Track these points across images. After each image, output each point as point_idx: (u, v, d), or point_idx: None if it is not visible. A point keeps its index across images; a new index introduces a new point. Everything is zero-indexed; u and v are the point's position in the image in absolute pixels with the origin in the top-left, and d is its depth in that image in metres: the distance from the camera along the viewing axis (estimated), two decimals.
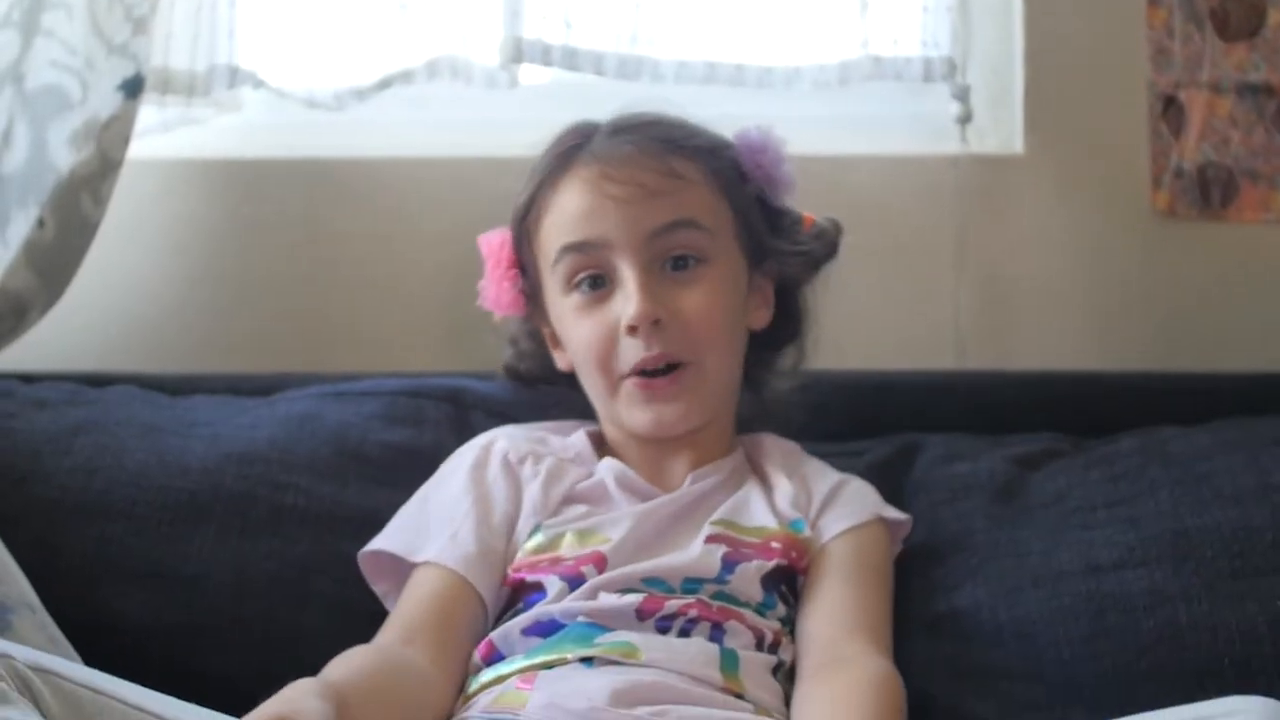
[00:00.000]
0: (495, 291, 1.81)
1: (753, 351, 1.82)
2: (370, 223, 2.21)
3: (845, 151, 2.17)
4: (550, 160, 1.76)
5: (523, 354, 1.89)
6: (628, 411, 1.73)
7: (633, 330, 1.68)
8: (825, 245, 1.82)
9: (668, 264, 1.71)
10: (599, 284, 1.72)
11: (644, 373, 1.70)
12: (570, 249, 1.72)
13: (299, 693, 1.33)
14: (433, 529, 1.71)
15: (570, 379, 1.81)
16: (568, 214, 1.72)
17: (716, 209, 1.74)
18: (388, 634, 1.62)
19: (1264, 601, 1.65)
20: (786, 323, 1.85)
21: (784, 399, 1.85)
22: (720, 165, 1.76)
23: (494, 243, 1.81)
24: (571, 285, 1.73)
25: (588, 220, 1.71)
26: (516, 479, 1.74)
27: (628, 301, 1.68)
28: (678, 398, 1.71)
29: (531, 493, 1.72)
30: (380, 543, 1.73)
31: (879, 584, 1.71)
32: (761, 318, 1.82)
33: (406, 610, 1.64)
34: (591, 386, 1.76)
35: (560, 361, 1.82)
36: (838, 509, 1.74)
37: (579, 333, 1.73)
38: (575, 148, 1.75)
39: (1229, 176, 2.16)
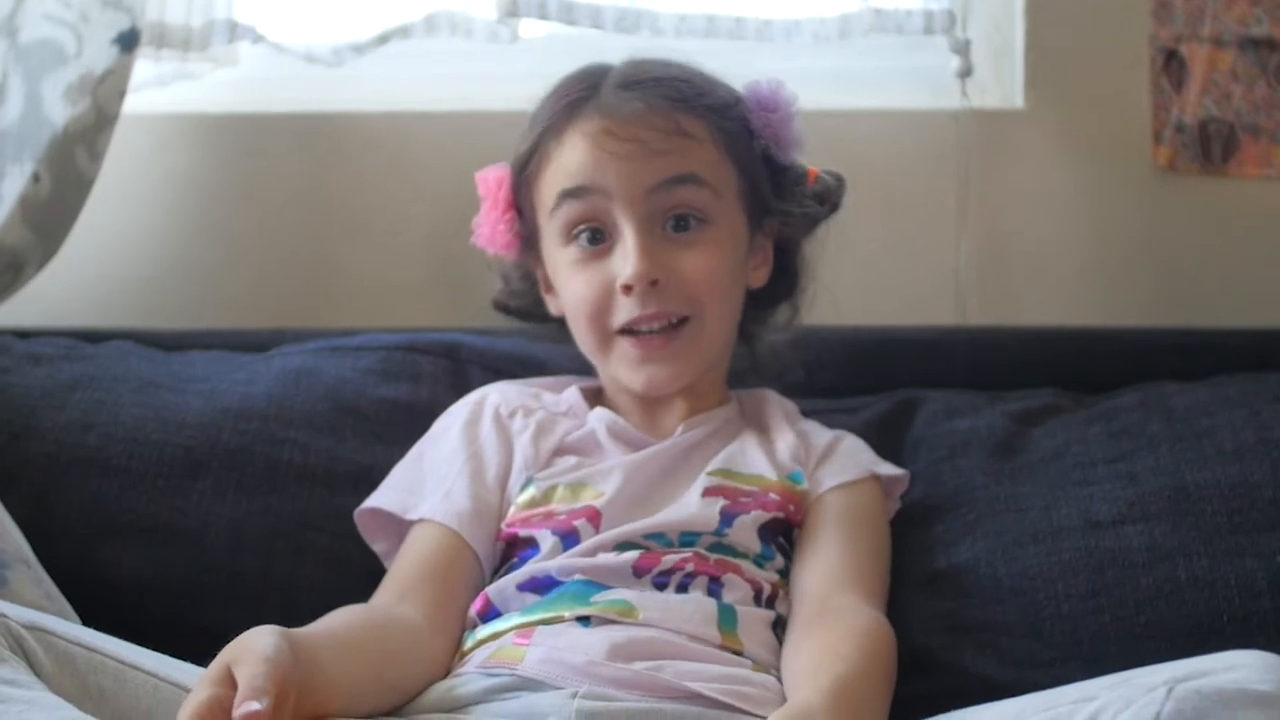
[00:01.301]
0: (490, 231, 1.79)
1: (748, 307, 1.81)
2: (368, 178, 2.21)
3: (845, 106, 2.16)
4: (555, 109, 1.73)
5: (514, 292, 1.87)
6: (620, 368, 1.72)
7: (628, 290, 1.67)
8: (829, 203, 1.81)
9: (669, 224, 1.69)
10: (598, 238, 1.70)
11: (638, 331, 1.69)
12: (569, 194, 1.69)
13: (251, 634, 1.31)
14: (427, 486, 1.71)
15: (560, 323, 1.80)
16: (568, 164, 1.70)
17: (721, 168, 1.72)
18: (382, 593, 1.62)
19: (1263, 557, 1.65)
20: (784, 280, 1.84)
21: (777, 352, 1.84)
22: (727, 124, 1.73)
23: (491, 181, 1.79)
24: (570, 237, 1.71)
25: (587, 171, 1.68)
26: (507, 434, 1.74)
27: (625, 260, 1.66)
28: (673, 358, 1.70)
29: (522, 445, 1.72)
30: (375, 500, 1.73)
31: (872, 538, 1.70)
32: (760, 276, 1.81)
33: (401, 568, 1.64)
34: (583, 341, 1.75)
35: (552, 306, 1.81)
36: (832, 464, 1.73)
37: (574, 286, 1.72)
38: (581, 99, 1.72)
39: (1230, 131, 2.15)
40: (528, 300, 1.86)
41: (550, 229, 1.73)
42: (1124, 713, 1.24)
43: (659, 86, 1.71)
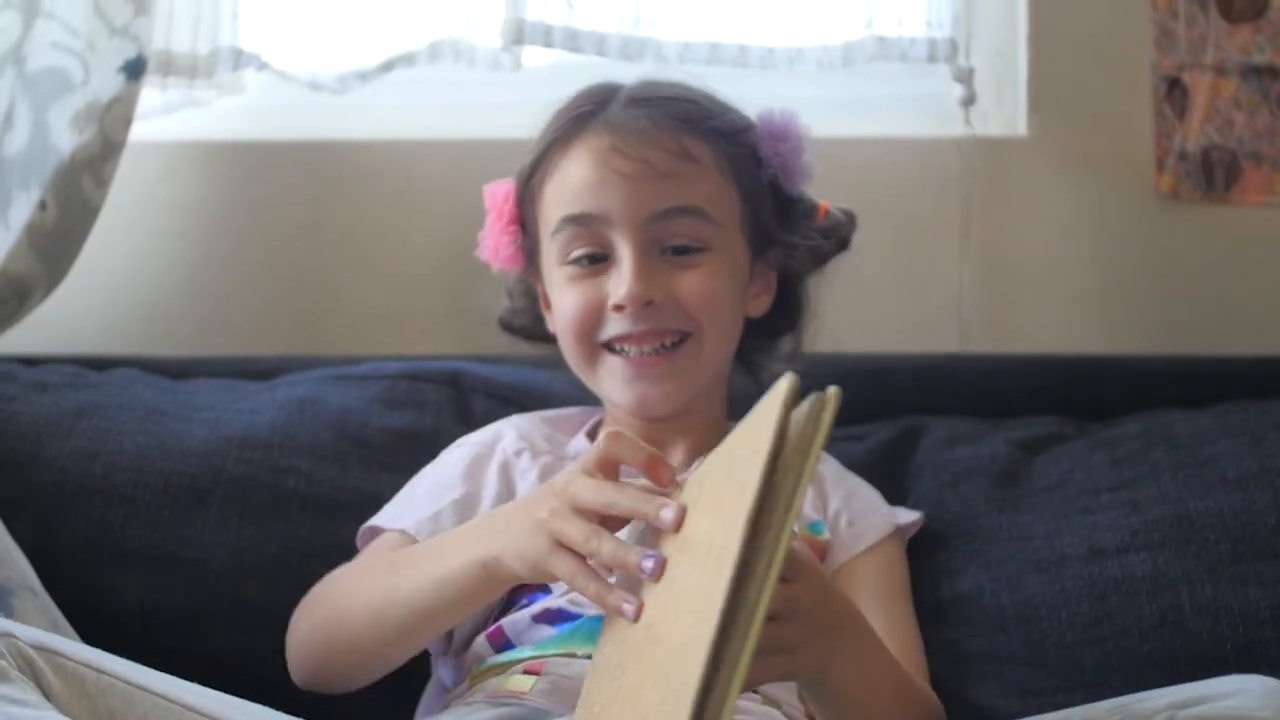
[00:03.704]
0: (494, 245, 1.78)
1: (750, 338, 1.79)
2: (373, 205, 2.21)
3: (849, 133, 2.16)
4: (563, 123, 1.72)
5: (517, 310, 1.86)
6: (609, 384, 1.70)
7: (619, 309, 1.65)
8: (836, 240, 1.81)
9: (667, 249, 1.67)
10: (596, 259, 1.68)
11: (627, 351, 1.67)
12: (570, 221, 1.68)
13: None
14: (416, 506, 1.69)
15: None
16: (572, 183, 1.69)
17: (725, 197, 1.70)
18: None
19: (1266, 585, 1.66)
20: (786, 311, 1.82)
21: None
22: (736, 150, 1.71)
23: (498, 195, 1.78)
24: (568, 258, 1.69)
25: (591, 193, 1.67)
26: (510, 478, 1.71)
27: (620, 281, 1.65)
28: (666, 377, 1.68)
29: (526, 489, 1.68)
30: (373, 519, 1.71)
31: (906, 603, 1.69)
32: (760, 305, 1.79)
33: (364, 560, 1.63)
34: (571, 356, 1.73)
35: (550, 324, 1.79)
36: (857, 525, 1.71)
37: (565, 301, 1.70)
38: (589, 113, 1.71)
39: (1232, 159, 2.15)
40: (529, 318, 1.85)
41: (550, 247, 1.72)
42: None
43: (668, 105, 1.70)
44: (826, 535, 1.69)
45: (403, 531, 1.64)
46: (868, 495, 1.77)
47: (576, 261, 1.69)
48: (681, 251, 1.67)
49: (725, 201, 1.70)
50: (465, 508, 1.67)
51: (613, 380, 1.70)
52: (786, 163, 1.74)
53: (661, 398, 1.69)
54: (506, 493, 1.69)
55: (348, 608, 1.57)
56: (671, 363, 1.68)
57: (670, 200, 1.66)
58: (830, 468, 1.79)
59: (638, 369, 1.68)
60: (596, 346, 1.69)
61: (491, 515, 1.51)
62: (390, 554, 1.60)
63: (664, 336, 1.67)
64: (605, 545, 1.26)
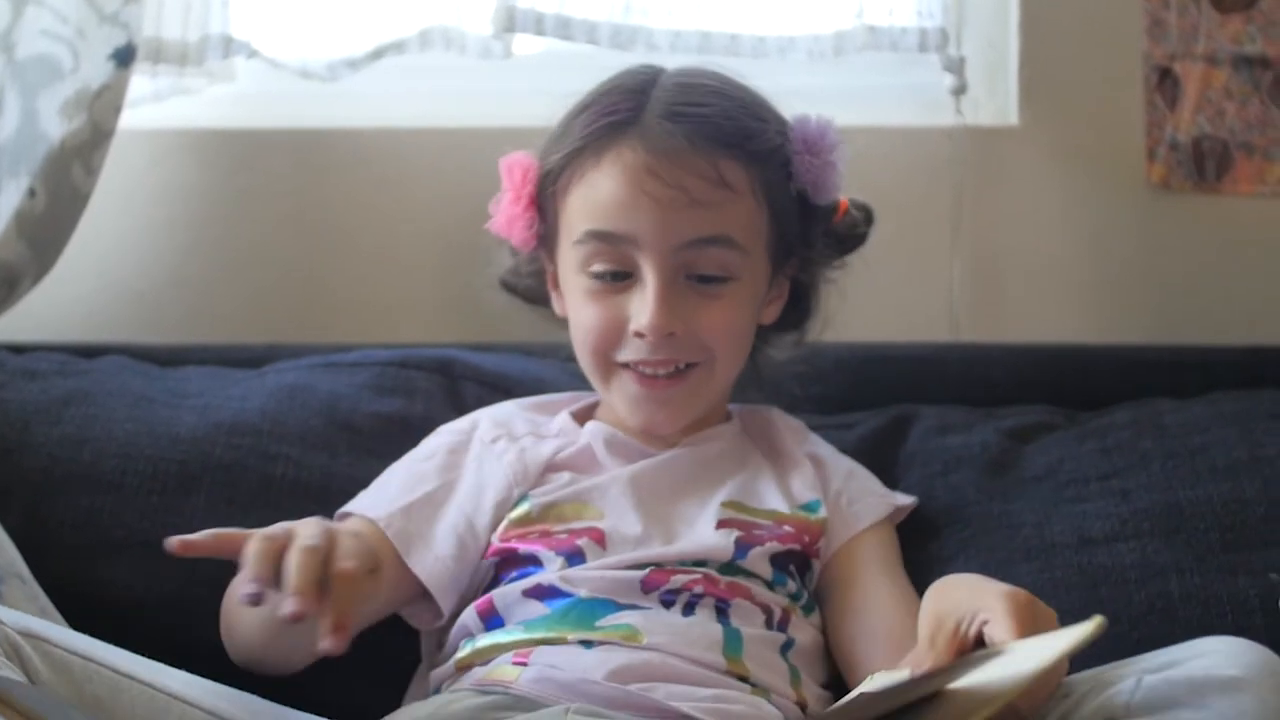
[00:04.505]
0: (507, 222, 1.73)
1: (756, 336, 1.77)
2: (363, 193, 2.21)
3: (840, 122, 2.15)
4: (595, 128, 1.66)
5: (521, 275, 1.82)
6: (619, 401, 1.69)
7: (640, 336, 1.63)
8: (853, 240, 1.80)
9: (693, 277, 1.64)
10: (618, 277, 1.65)
11: (644, 371, 1.66)
12: (595, 236, 1.64)
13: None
14: (389, 496, 1.67)
15: (564, 322, 1.75)
16: (601, 198, 1.64)
17: (755, 220, 1.66)
18: None
19: (1255, 574, 1.66)
20: (795, 312, 1.81)
21: (779, 370, 1.83)
22: (770, 173, 1.67)
23: (516, 173, 1.72)
24: (588, 269, 1.66)
25: (621, 213, 1.63)
26: (483, 470, 1.70)
27: (644, 308, 1.62)
28: (675, 401, 1.67)
29: (508, 464, 1.68)
30: (346, 506, 1.69)
31: (905, 575, 1.70)
32: (773, 312, 1.77)
33: None
34: (586, 367, 1.71)
35: (557, 306, 1.76)
36: (857, 504, 1.72)
37: (584, 316, 1.67)
38: (624, 122, 1.65)
39: (1224, 149, 2.15)
40: (533, 286, 1.82)
41: (570, 254, 1.68)
42: (1094, 701, 1.25)
43: (706, 125, 1.64)
44: (824, 514, 1.69)
45: (372, 521, 1.62)
46: (866, 476, 1.78)
47: (598, 276, 1.66)
48: (706, 280, 1.65)
49: (755, 227, 1.67)
50: (437, 501, 1.66)
51: (623, 397, 1.69)
52: (818, 178, 1.71)
53: (668, 419, 1.69)
54: (479, 483, 1.68)
55: (228, 609, 1.56)
56: (683, 386, 1.67)
57: (702, 230, 1.63)
58: (826, 450, 1.79)
59: (649, 389, 1.67)
60: (612, 364, 1.68)
61: None
62: None
63: (676, 363, 1.66)
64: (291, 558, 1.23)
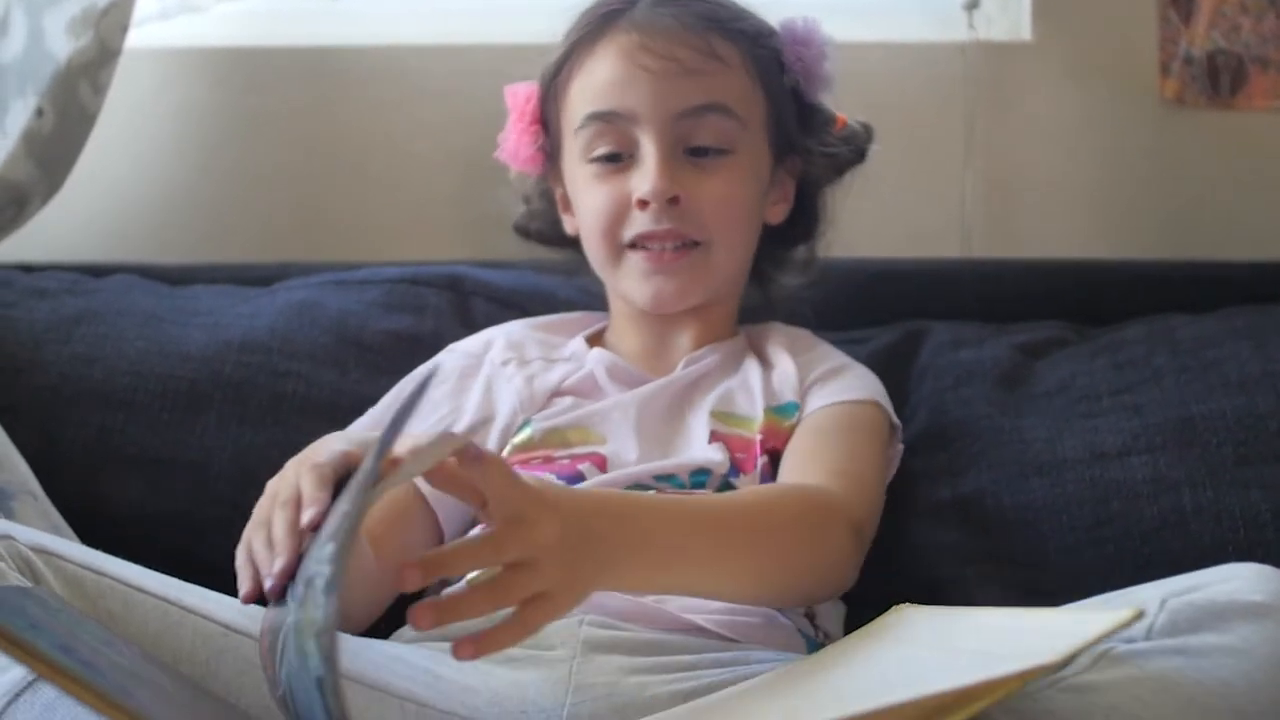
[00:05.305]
0: (515, 145, 1.77)
1: (765, 245, 1.79)
2: (372, 111, 2.20)
3: (851, 38, 2.12)
4: (589, 20, 1.71)
5: (533, 213, 1.85)
6: (628, 283, 1.71)
7: (644, 205, 1.65)
8: (853, 150, 1.80)
9: (691, 150, 1.67)
10: (620, 158, 1.68)
11: (649, 246, 1.67)
12: (596, 118, 1.68)
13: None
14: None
15: (576, 243, 1.78)
16: (598, 81, 1.69)
17: (750, 97, 1.70)
18: None
19: (1268, 488, 1.66)
20: (803, 220, 1.82)
21: (790, 295, 1.83)
22: (760, 52, 1.71)
23: (519, 96, 1.77)
24: (591, 155, 1.69)
25: (618, 90, 1.67)
26: (492, 394, 1.71)
27: (644, 177, 1.65)
28: (681, 273, 1.68)
29: (515, 389, 1.69)
30: (355, 422, 1.69)
31: (864, 442, 1.64)
32: (779, 212, 1.79)
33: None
34: (594, 255, 1.73)
35: (568, 226, 1.79)
36: (830, 385, 1.69)
37: (589, 199, 1.70)
38: (617, 12, 1.70)
39: (1238, 64, 2.14)
40: (546, 221, 1.84)
41: (573, 145, 1.72)
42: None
43: (694, 6, 1.70)
44: (795, 418, 1.66)
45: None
46: (859, 373, 1.74)
47: (600, 160, 1.69)
48: (704, 153, 1.67)
49: (751, 102, 1.70)
50: (444, 427, 1.66)
51: (632, 276, 1.70)
52: (809, 69, 1.74)
53: (676, 293, 1.69)
54: (488, 407, 1.69)
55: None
56: (687, 259, 1.68)
57: (698, 97, 1.66)
58: (823, 350, 1.77)
59: (657, 263, 1.68)
60: (620, 246, 1.70)
61: None
62: None
63: (682, 237, 1.67)
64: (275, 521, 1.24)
